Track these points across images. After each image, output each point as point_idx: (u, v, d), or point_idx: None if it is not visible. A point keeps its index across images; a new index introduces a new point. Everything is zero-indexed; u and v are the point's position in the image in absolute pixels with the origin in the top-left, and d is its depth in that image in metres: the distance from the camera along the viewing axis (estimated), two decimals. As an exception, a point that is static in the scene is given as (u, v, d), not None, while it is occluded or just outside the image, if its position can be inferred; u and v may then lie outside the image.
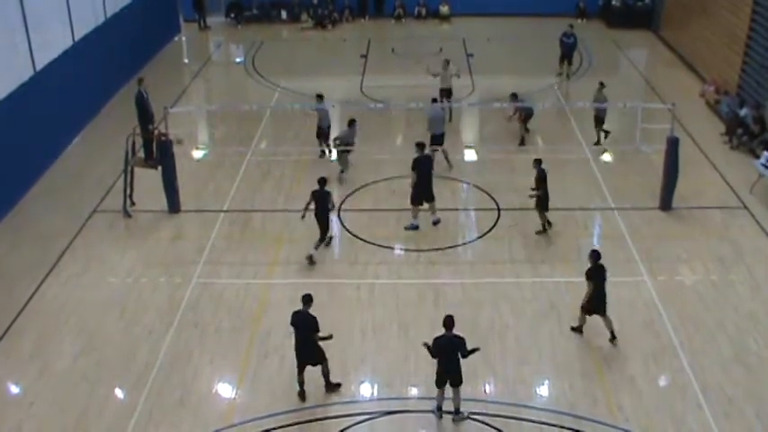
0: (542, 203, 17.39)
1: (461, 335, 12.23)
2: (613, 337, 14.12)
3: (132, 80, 24.85)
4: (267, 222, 18.50)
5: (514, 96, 22.22)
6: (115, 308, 15.38)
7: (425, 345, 12.33)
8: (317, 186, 16.41)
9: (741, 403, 12.75)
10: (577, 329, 14.42)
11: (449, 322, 12.17)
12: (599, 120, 21.84)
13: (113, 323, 14.96)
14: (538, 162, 17.32)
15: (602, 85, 21.91)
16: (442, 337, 12.18)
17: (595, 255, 13.93)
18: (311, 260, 16.52)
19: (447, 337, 12.15)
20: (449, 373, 12.28)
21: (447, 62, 23.75)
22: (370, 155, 20.56)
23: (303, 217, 16.50)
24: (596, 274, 13.87)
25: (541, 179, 17.20)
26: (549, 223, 17.63)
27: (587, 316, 14.17)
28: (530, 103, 22.38)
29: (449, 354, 12.18)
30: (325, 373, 13.08)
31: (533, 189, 17.32)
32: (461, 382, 12.32)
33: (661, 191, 18.57)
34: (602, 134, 22.01)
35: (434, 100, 21.39)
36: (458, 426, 12.42)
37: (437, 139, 20.35)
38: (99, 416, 12.69)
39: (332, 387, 13.18)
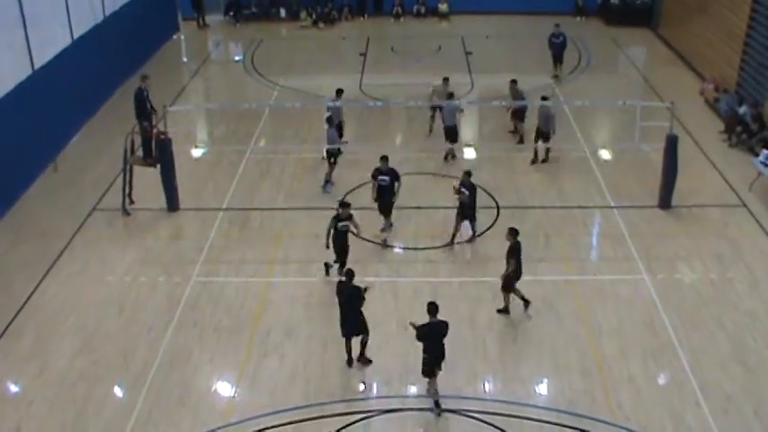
0: (464, 212, 17.22)
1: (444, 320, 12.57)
2: (506, 311, 14.86)
3: (131, 79, 24.90)
4: (266, 221, 18.50)
5: (514, 83, 22.31)
6: (114, 306, 15.38)
7: (412, 324, 12.53)
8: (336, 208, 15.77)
9: (739, 401, 12.77)
10: (504, 310, 14.88)
11: (433, 309, 12.44)
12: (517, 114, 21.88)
13: (112, 322, 14.96)
14: (468, 174, 17.07)
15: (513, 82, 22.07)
16: (430, 323, 12.40)
17: (514, 231, 14.49)
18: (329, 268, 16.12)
19: (434, 323, 12.39)
20: (438, 360, 12.47)
21: (446, 80, 23.01)
22: (369, 153, 20.53)
23: (327, 246, 15.59)
24: (518, 251, 14.39)
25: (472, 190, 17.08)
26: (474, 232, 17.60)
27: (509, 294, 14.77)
28: (524, 100, 22.33)
29: (438, 338, 12.39)
30: (364, 343, 13.70)
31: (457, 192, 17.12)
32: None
33: (660, 189, 18.57)
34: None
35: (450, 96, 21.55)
36: (457, 424, 12.41)
37: (450, 131, 20.81)
38: (98, 415, 12.70)
39: (365, 359, 13.64)
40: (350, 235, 15.81)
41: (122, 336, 14.57)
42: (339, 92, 20.82)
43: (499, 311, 14.92)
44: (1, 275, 16.37)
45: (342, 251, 15.80)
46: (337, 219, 15.55)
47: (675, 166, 18.17)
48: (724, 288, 15.73)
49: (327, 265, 16.19)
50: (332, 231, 15.57)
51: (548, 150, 20.95)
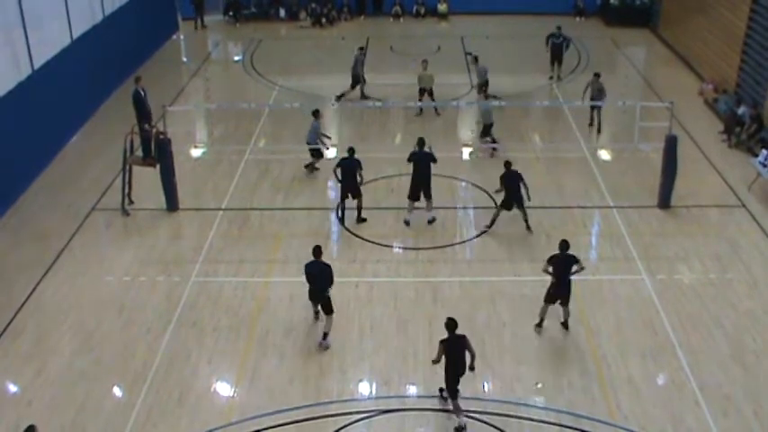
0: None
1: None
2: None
3: (130, 78, 24.85)
4: (265, 221, 18.49)
5: (475, 59, 25.02)
6: (113, 306, 15.37)
7: None
8: None
9: (739, 401, 12.76)
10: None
11: (452, 324, 12.15)
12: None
13: (111, 322, 14.95)
14: (508, 165, 17.67)
15: (596, 75, 22.89)
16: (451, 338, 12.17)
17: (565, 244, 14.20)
18: None
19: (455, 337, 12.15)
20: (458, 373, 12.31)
21: (425, 62, 24.46)
22: (368, 153, 20.51)
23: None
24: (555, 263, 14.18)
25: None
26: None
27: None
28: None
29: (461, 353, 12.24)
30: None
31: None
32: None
33: (659, 189, 18.58)
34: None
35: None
36: (457, 424, 12.42)
37: (489, 129, 21.57)
38: (97, 415, 12.68)
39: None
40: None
41: (121, 336, 14.56)
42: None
43: (536, 326, 14.57)
44: (0, 275, 16.35)
45: None
46: None
47: (675, 166, 18.17)
48: (723, 288, 15.73)
49: None
50: None
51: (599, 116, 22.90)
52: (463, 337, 12.10)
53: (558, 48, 27.24)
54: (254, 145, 22.45)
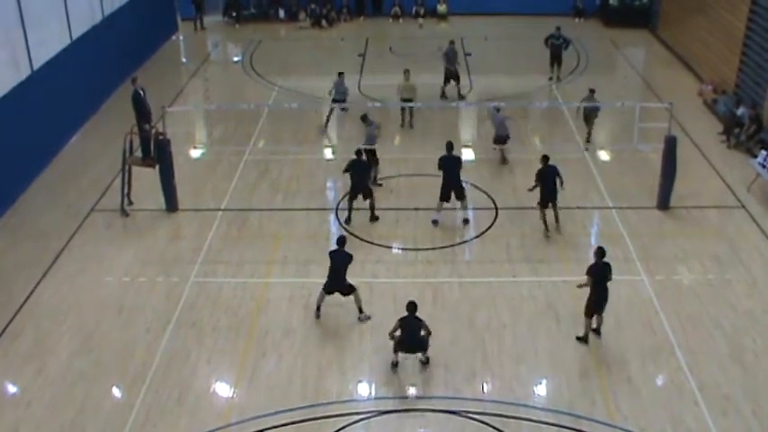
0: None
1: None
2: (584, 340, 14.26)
3: (130, 79, 24.87)
4: (264, 221, 18.49)
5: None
6: (112, 307, 15.37)
7: None
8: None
9: (738, 401, 12.77)
10: (583, 339, 14.30)
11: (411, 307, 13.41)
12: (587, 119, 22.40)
13: (111, 322, 14.95)
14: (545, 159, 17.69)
15: (591, 91, 22.25)
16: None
17: (599, 251, 13.98)
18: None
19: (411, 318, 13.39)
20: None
21: (407, 72, 23.31)
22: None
23: None
24: (595, 272, 13.88)
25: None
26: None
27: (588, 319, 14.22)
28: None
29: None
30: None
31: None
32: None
33: (658, 190, 18.58)
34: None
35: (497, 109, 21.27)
36: (456, 425, 12.42)
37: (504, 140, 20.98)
38: (96, 415, 12.68)
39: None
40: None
41: (121, 336, 14.56)
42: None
43: (578, 339, 14.29)
44: (-1, 275, 16.39)
45: None
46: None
47: (674, 167, 18.18)
48: (722, 289, 15.74)
49: None
50: None
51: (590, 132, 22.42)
52: (420, 319, 13.35)
53: (557, 48, 27.25)
54: (254, 145, 22.44)
